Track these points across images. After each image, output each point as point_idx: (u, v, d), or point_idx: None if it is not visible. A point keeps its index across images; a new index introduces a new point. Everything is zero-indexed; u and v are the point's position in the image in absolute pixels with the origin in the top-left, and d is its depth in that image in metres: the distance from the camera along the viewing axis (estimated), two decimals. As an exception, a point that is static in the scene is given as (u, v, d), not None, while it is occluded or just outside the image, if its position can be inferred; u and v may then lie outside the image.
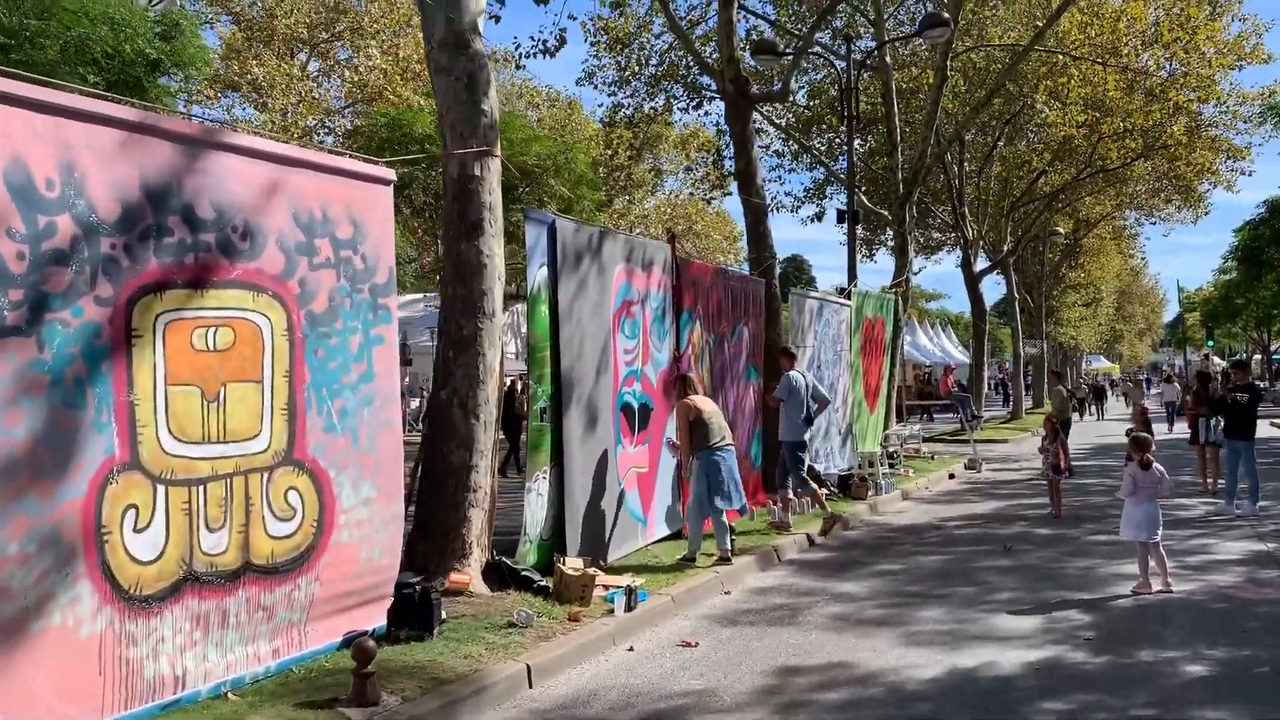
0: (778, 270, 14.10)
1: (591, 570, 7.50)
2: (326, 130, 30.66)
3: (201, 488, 5.13)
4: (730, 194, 28.92)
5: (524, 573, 7.19)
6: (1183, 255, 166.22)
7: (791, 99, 23.22)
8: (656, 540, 9.82)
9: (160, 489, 4.94)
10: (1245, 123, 26.10)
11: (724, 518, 8.99)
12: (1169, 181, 31.38)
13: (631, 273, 9.54)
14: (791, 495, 11.61)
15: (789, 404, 11.47)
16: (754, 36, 19.36)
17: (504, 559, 7.28)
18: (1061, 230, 37.53)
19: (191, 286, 5.09)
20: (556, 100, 40.73)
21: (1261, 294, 32.29)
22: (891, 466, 16.96)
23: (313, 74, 30.41)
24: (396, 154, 24.13)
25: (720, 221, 52.55)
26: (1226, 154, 26.99)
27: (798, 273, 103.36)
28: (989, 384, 44.33)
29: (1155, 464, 8.15)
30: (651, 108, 22.79)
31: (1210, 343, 51.73)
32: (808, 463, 13.27)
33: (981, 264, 31.01)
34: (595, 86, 24.50)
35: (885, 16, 20.30)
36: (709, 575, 8.50)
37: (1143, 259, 69.18)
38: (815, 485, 11.71)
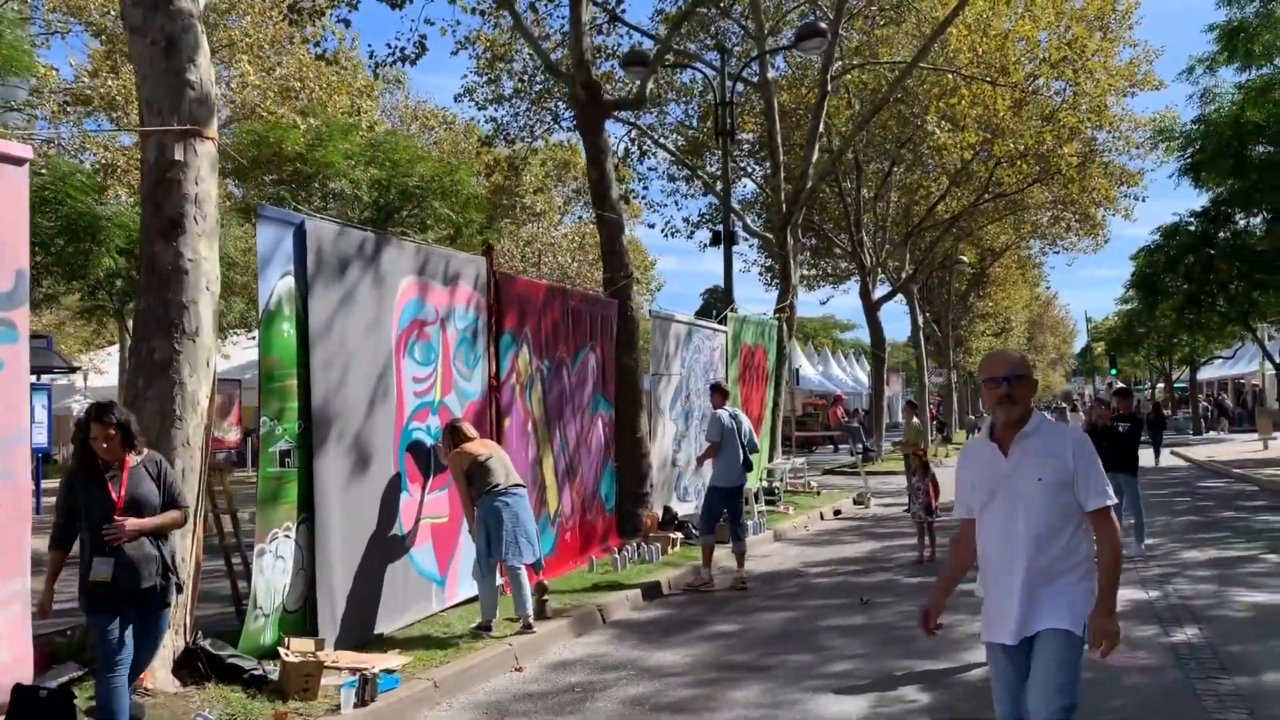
0: (633, 294, 12.85)
1: (323, 653, 6.07)
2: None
3: None
4: (653, 225, 27.72)
5: (231, 659, 5.72)
6: (1091, 287, 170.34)
7: (657, 110, 22.22)
8: (459, 603, 8.40)
9: None
10: (1138, 148, 25.80)
11: (522, 576, 7.59)
12: (1067, 208, 31.12)
13: (426, 288, 8.18)
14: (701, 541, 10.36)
15: (724, 446, 10.18)
16: (628, 48, 18.23)
17: (206, 642, 5.81)
18: (966, 259, 37.22)
19: None
20: (452, 123, 39.41)
21: (1161, 321, 32.01)
22: (770, 503, 15.78)
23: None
24: (264, 173, 22.51)
25: (632, 250, 51.48)
26: (1120, 180, 26.69)
27: (723, 303, 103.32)
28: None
29: None
30: (526, 125, 21.54)
31: (1114, 371, 51.96)
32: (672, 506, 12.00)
33: (881, 291, 30.28)
34: (477, 105, 23.20)
35: (766, 31, 19.37)
36: (500, 649, 7.10)
37: (1048, 288, 69.88)
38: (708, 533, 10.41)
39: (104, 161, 24.16)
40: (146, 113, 5.88)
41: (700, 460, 10.97)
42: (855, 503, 18.01)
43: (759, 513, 14.68)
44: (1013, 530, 3.59)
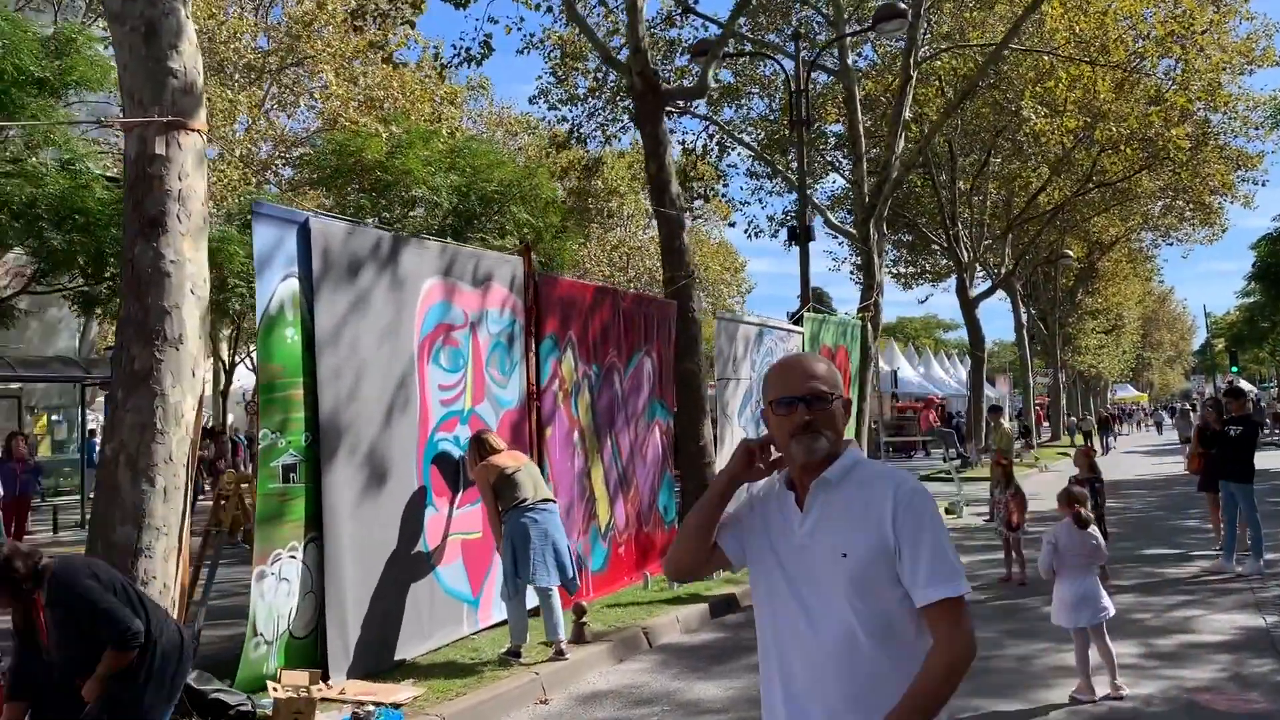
0: (695, 295, 12.19)
1: (324, 685, 5.59)
2: (284, 160, 29.27)
3: None
4: (734, 224, 26.84)
5: (215, 694, 5.28)
6: (1209, 281, 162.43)
7: (737, 104, 21.44)
8: (494, 625, 7.87)
9: None
10: (1256, 129, 24.03)
11: (554, 599, 7.02)
12: (1179, 196, 29.31)
13: (453, 290, 7.69)
14: None
15: None
16: (697, 36, 17.56)
17: (191, 676, 5.37)
18: (1071, 253, 35.44)
19: None
20: (535, 127, 39.29)
21: (1285, 315, 29.97)
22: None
23: (267, 102, 29.02)
24: (347, 183, 22.52)
25: (721, 253, 50.65)
26: (1237, 164, 24.90)
27: (819, 306, 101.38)
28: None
29: (1093, 526, 6.20)
30: (599, 124, 21.07)
31: (1235, 369, 49.02)
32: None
33: (980, 288, 28.94)
34: (549, 105, 22.85)
35: (846, 16, 18.49)
36: (526, 678, 6.54)
37: (1161, 282, 66.64)
38: None
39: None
40: (128, 104, 5.51)
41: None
42: (946, 512, 16.99)
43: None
44: (808, 634, 2.28)
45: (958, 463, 19.10)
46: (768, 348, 13.84)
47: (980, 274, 31.30)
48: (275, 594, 6.02)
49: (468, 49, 15.85)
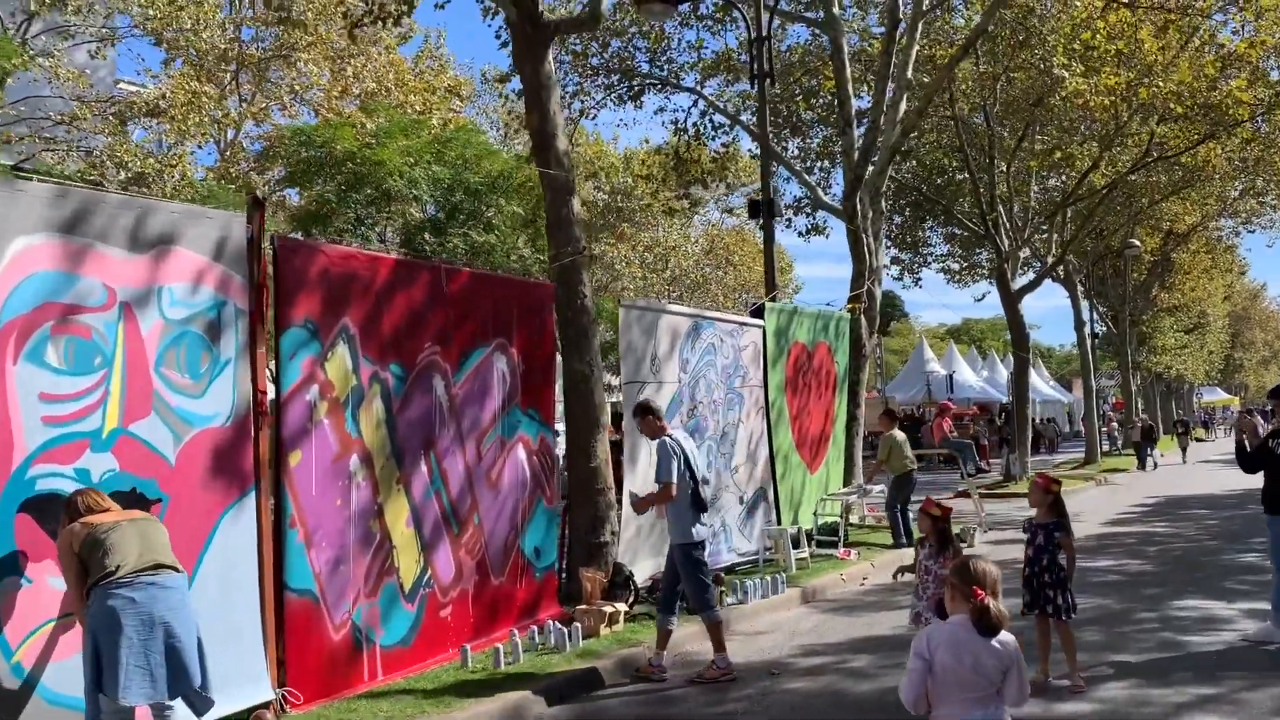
0: (585, 277, 9.64)
1: None
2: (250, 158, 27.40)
3: None
4: (786, 218, 23.90)
5: None
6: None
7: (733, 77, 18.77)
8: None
9: None
10: (1343, 87, 20.48)
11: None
12: (1258, 173, 25.76)
13: (82, 255, 5.27)
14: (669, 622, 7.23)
15: (677, 488, 7.14)
16: None
17: None
18: (1138, 243, 31.89)
19: None
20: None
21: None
22: (829, 545, 12.20)
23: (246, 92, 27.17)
24: (316, 175, 20.38)
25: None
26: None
27: (889, 309, 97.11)
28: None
29: (1003, 623, 3.52)
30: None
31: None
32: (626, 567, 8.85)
33: (1023, 280, 25.74)
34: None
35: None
36: None
37: (1250, 277, 61.93)
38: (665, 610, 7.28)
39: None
40: None
41: (640, 507, 7.71)
42: (959, 539, 14.11)
43: (794, 560, 11.19)
44: None
45: (974, 478, 16.15)
46: (707, 343, 11.25)
47: (1029, 262, 28.09)
48: None
49: (381, 4, 13.51)
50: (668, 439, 7.32)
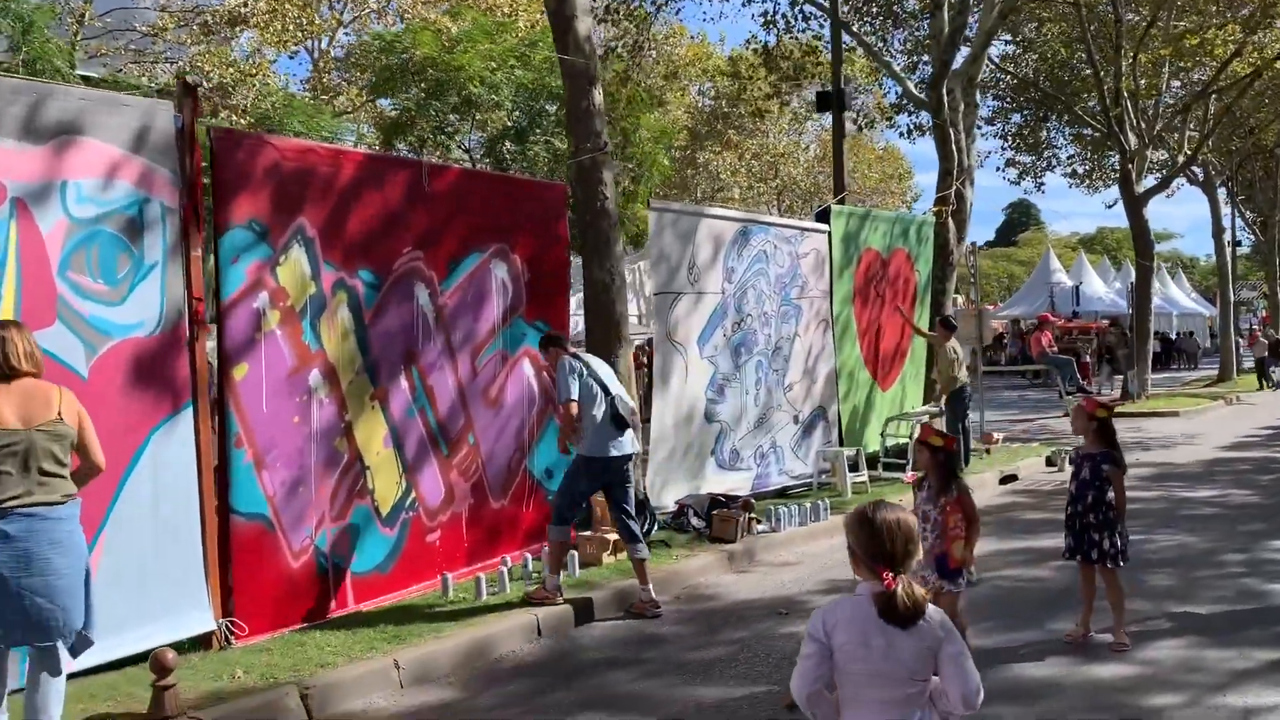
0: (605, 175, 8.75)
1: None
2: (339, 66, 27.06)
3: None
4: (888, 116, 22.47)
5: None
6: None
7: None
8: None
9: None
10: None
11: (53, 669, 4.08)
12: None
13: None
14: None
15: (583, 403, 6.59)
16: None
17: None
18: (1292, 139, 28.94)
19: None
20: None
21: None
22: (894, 469, 11.26)
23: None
24: (399, 83, 19.92)
25: (887, 158, 45.54)
26: None
27: (1023, 219, 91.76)
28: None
29: (920, 611, 2.66)
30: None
31: None
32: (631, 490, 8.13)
33: (1149, 183, 23.56)
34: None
35: None
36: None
37: None
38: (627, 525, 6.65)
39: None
40: None
41: (562, 443, 7.15)
42: (1048, 463, 12.98)
43: (856, 484, 10.33)
44: None
45: (1072, 397, 14.79)
46: (758, 250, 10.31)
47: (1161, 162, 25.76)
48: None
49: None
50: (567, 357, 6.62)
